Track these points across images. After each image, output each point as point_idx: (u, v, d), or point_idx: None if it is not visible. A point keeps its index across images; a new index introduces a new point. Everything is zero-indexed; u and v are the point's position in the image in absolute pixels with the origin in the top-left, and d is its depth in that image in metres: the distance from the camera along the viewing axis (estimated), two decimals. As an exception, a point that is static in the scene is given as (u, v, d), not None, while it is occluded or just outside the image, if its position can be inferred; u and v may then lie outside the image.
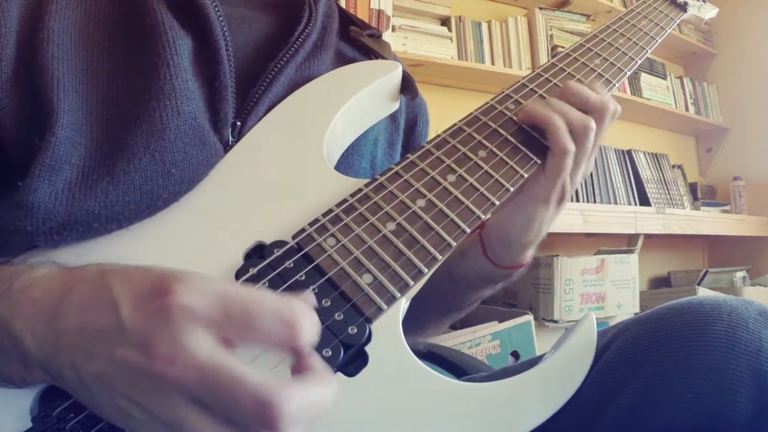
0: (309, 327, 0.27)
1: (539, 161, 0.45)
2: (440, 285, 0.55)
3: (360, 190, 0.42)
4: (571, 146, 0.44)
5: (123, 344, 0.26)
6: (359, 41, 0.57)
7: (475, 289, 0.57)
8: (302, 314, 0.27)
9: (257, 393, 0.24)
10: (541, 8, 1.98)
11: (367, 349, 0.36)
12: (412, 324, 0.59)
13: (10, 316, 0.29)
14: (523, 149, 0.45)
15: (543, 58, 1.88)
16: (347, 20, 0.59)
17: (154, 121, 0.39)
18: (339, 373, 0.34)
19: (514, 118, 0.46)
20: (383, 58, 0.56)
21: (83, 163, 0.38)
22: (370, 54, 0.58)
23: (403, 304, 0.38)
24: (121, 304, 0.27)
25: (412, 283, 0.38)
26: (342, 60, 0.56)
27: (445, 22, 1.81)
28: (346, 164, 0.52)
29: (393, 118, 0.59)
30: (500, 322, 1.30)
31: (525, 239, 0.50)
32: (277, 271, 0.37)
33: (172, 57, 0.41)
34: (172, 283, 0.26)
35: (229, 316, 0.26)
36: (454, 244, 0.40)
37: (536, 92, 0.48)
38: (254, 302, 0.26)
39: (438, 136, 0.45)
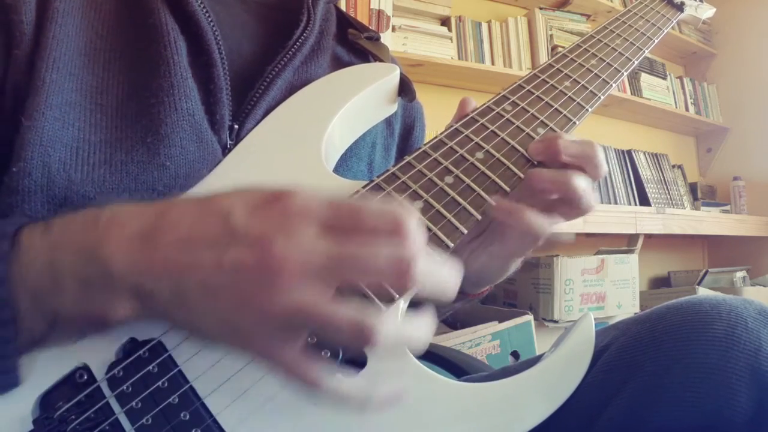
0: (412, 219, 0.28)
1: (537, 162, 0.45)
2: None
3: (358, 192, 0.42)
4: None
5: (235, 247, 0.27)
6: (357, 44, 0.57)
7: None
8: (403, 209, 0.29)
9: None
10: (541, 8, 1.98)
11: (366, 349, 0.36)
12: None
13: (98, 242, 0.29)
14: (521, 150, 0.45)
15: (543, 58, 1.88)
16: (345, 23, 0.59)
17: (152, 116, 0.40)
18: (338, 375, 0.34)
19: (512, 119, 0.46)
20: (381, 60, 0.56)
21: (77, 145, 0.38)
22: (367, 57, 0.58)
23: (401, 305, 0.38)
24: (233, 212, 0.28)
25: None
26: (339, 63, 0.56)
27: (445, 22, 1.81)
28: (344, 167, 0.52)
29: (388, 122, 0.59)
30: (500, 322, 1.30)
31: (496, 281, 0.51)
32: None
33: (172, 56, 0.42)
34: (286, 192, 0.28)
35: (339, 213, 0.28)
36: (452, 245, 0.40)
37: (533, 93, 0.48)
38: (359, 202, 0.29)
39: (435, 137, 0.46)
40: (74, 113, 0.39)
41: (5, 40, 0.39)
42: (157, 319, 0.31)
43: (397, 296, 0.37)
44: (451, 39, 1.76)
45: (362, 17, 1.55)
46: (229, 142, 0.45)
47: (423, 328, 0.30)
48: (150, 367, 0.33)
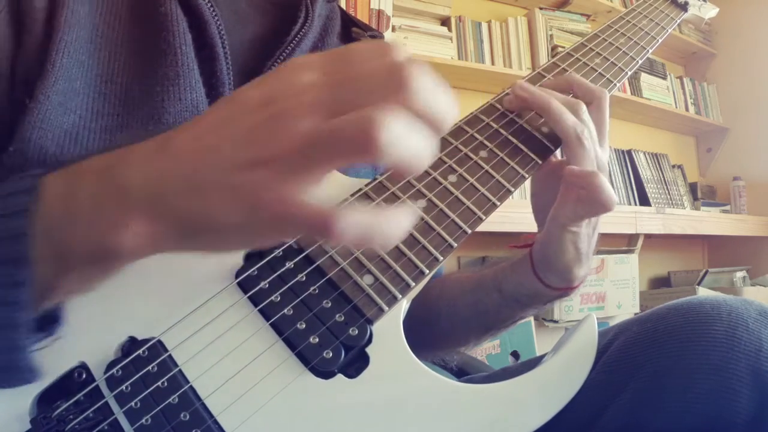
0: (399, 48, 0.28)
1: (540, 161, 0.45)
2: (487, 299, 0.53)
3: (360, 189, 0.42)
4: (581, 128, 0.43)
5: (250, 113, 0.26)
6: (360, 43, 0.57)
7: (523, 307, 0.54)
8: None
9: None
10: (541, 8, 1.98)
11: (368, 350, 0.35)
12: (452, 340, 0.58)
13: (114, 164, 0.28)
14: (524, 149, 0.44)
15: (543, 58, 1.88)
16: (349, 22, 0.59)
17: (156, 104, 0.40)
18: (340, 375, 0.34)
19: (516, 119, 0.46)
20: (383, 59, 0.56)
21: (76, 131, 0.38)
22: (370, 56, 0.58)
23: (404, 305, 0.38)
24: (238, 94, 0.27)
25: (413, 284, 0.38)
26: None
27: (445, 22, 1.81)
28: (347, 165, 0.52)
29: None
30: (500, 322, 1.30)
31: (563, 261, 0.48)
32: (277, 273, 0.37)
33: (180, 46, 0.42)
34: (280, 66, 0.28)
35: (332, 59, 0.27)
36: (455, 245, 0.40)
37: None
38: (345, 47, 0.28)
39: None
40: (77, 100, 0.39)
41: (17, 26, 0.39)
42: (168, 239, 0.28)
43: (400, 296, 0.37)
44: (451, 39, 1.76)
45: (362, 17, 1.55)
46: None
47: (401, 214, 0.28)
48: (150, 367, 0.32)
